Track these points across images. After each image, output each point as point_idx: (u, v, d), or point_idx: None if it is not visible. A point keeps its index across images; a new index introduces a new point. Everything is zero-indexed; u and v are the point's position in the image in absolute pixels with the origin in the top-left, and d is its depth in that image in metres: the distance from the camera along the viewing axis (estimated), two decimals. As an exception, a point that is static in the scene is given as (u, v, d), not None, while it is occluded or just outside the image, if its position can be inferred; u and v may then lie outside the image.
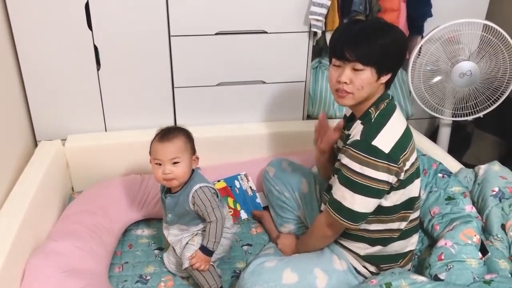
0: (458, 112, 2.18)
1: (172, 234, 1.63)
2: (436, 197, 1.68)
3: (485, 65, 2.06)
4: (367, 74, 1.32)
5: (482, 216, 1.60)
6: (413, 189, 1.41)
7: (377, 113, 1.36)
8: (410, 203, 1.41)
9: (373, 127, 1.33)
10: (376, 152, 1.29)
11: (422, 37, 2.14)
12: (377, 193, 1.33)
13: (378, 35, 1.31)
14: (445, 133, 2.30)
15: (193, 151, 1.56)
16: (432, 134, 2.47)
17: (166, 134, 1.53)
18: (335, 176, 1.40)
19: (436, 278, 1.41)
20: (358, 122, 1.38)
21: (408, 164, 1.35)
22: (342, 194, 1.35)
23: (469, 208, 1.60)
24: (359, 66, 1.31)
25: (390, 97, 1.41)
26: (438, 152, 1.95)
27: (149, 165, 1.96)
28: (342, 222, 1.37)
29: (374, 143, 1.29)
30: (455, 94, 2.13)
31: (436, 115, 2.19)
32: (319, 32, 2.05)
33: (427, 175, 1.76)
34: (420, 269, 1.56)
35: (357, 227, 1.39)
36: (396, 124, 1.36)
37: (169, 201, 1.58)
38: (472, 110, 2.15)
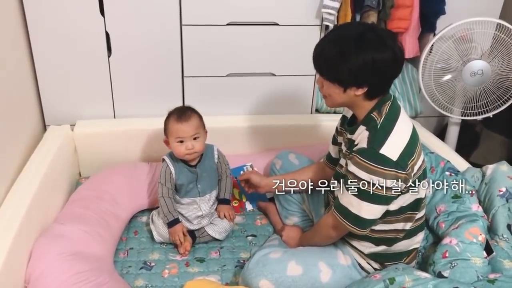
0: (468, 111, 2.16)
1: (204, 206, 1.77)
2: (442, 194, 1.67)
3: (497, 64, 2.05)
4: (329, 84, 1.34)
5: (488, 215, 1.59)
6: (420, 191, 1.39)
7: (382, 118, 1.33)
8: (416, 204, 1.41)
9: (380, 134, 1.30)
10: (384, 161, 1.27)
11: (434, 35, 2.13)
12: (386, 201, 1.32)
13: (335, 51, 1.29)
14: (453, 132, 2.29)
15: (204, 126, 1.74)
16: (441, 133, 2.46)
17: (182, 114, 1.68)
18: (341, 181, 1.39)
19: (439, 275, 1.41)
20: (362, 128, 1.35)
21: (415, 168, 1.33)
22: (349, 201, 1.34)
23: (476, 207, 1.60)
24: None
25: (392, 97, 1.38)
26: (446, 151, 1.94)
27: (157, 153, 1.97)
28: (349, 227, 1.37)
29: (382, 151, 1.27)
30: (466, 93, 2.12)
31: (446, 113, 2.18)
32: (331, 26, 2.04)
33: (435, 172, 1.75)
34: (424, 266, 1.56)
35: (364, 233, 1.38)
36: (402, 128, 1.33)
37: (200, 170, 1.74)
38: (482, 110, 2.14)
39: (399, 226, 1.42)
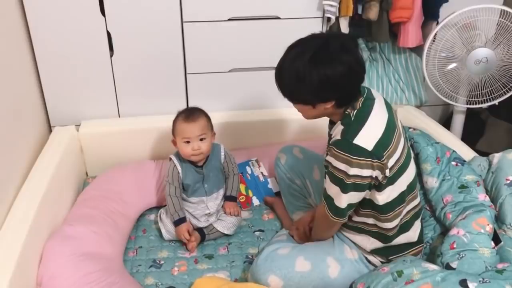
0: (473, 99, 2.15)
1: (211, 205, 1.79)
2: (449, 185, 1.67)
3: (501, 51, 2.03)
4: (297, 105, 1.39)
5: (495, 205, 1.58)
6: (402, 184, 1.40)
7: (355, 111, 1.35)
8: (401, 198, 1.41)
9: (353, 126, 1.33)
10: (358, 151, 1.29)
11: (438, 23, 2.11)
12: (362, 188, 1.34)
13: (288, 71, 1.33)
14: (459, 120, 2.28)
15: (212, 128, 1.75)
16: (446, 121, 2.44)
17: (190, 114, 1.70)
18: (325, 171, 1.41)
19: (448, 267, 1.41)
20: (339, 123, 1.39)
21: (391, 161, 1.34)
22: (331, 190, 1.37)
23: (482, 197, 1.59)
24: None
25: (366, 92, 1.39)
26: (452, 140, 1.93)
27: (163, 150, 1.99)
28: (332, 219, 1.40)
29: (355, 141, 1.29)
30: (470, 81, 2.10)
31: (451, 102, 2.17)
32: (333, 18, 2.02)
33: (440, 163, 1.74)
34: (431, 257, 1.56)
35: (343, 221, 1.42)
36: (376, 121, 1.35)
37: (206, 170, 1.75)
38: (487, 98, 2.12)
39: (390, 225, 1.42)
